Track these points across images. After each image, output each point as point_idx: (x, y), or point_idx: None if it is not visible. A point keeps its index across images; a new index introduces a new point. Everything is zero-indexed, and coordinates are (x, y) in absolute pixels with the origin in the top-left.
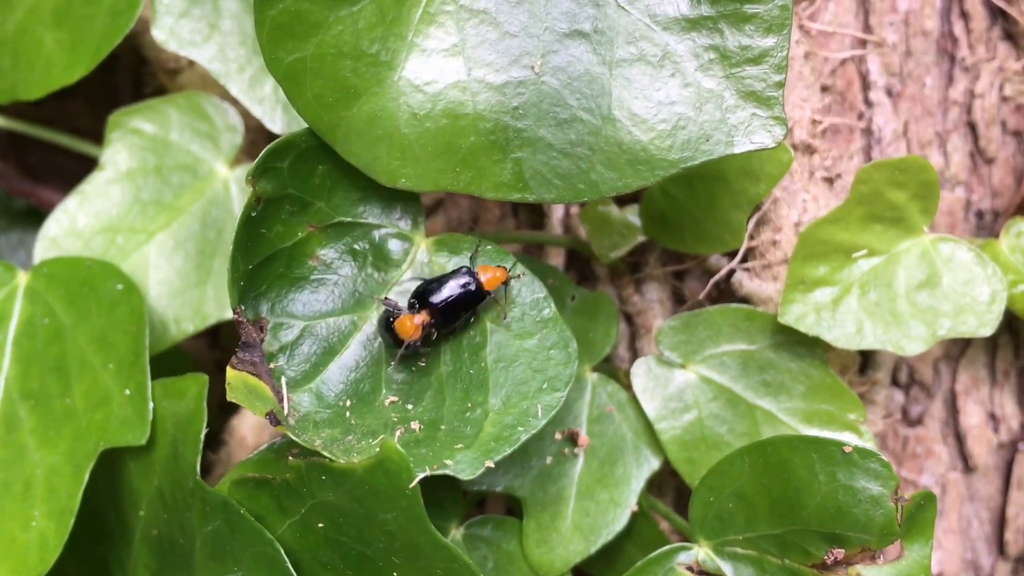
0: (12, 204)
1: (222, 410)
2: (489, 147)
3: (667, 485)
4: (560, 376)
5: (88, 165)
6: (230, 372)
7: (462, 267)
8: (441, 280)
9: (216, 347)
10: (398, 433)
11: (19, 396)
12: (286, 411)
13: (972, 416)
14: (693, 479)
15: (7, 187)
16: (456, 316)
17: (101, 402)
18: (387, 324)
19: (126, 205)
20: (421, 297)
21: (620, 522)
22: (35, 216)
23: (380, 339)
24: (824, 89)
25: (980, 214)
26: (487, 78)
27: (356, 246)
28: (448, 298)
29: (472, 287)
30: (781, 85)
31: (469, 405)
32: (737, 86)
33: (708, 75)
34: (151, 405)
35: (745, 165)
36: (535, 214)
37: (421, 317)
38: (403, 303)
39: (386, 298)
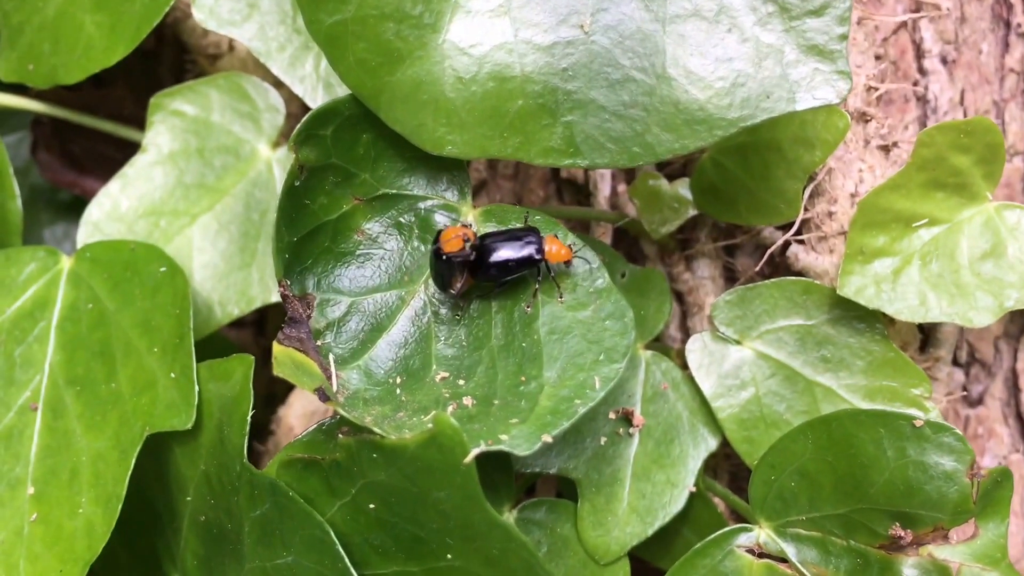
0: (58, 196)
1: (269, 401)
2: (538, 111)
3: (721, 467)
4: (617, 347)
5: (132, 153)
6: (276, 347)
7: (533, 228)
8: (507, 231)
9: (262, 336)
10: (450, 409)
11: (65, 382)
12: (335, 389)
13: None
14: (752, 459)
15: (52, 178)
16: (503, 266)
17: (147, 386)
18: (436, 237)
19: (169, 188)
20: (482, 238)
21: (678, 503)
22: (80, 207)
23: (428, 315)
24: (877, 57)
25: None
26: (534, 39)
27: (402, 219)
28: (503, 242)
29: (533, 247)
30: (845, 37)
31: (523, 379)
32: (798, 40)
33: (767, 29)
34: (196, 388)
35: (799, 132)
36: (580, 194)
37: (467, 232)
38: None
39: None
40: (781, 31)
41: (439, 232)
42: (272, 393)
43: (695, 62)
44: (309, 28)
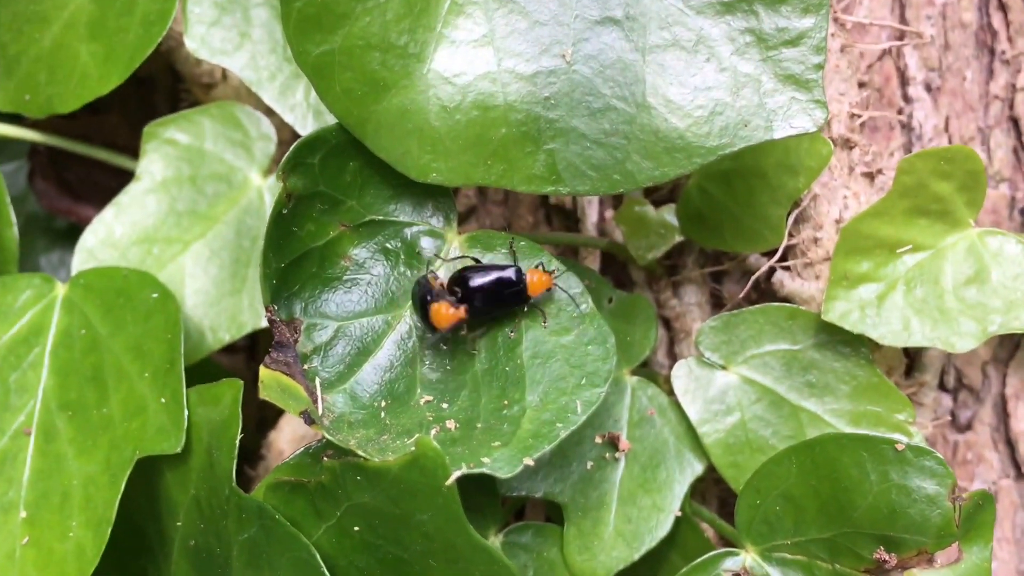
0: (53, 224)
1: (260, 425)
2: (521, 139)
3: (710, 492)
4: (599, 372)
5: (126, 181)
6: (263, 371)
7: (511, 264)
8: (486, 271)
9: (254, 361)
10: (433, 432)
11: (57, 407)
12: (320, 412)
13: (1023, 421)
14: (738, 483)
15: (48, 205)
16: (491, 312)
17: (137, 411)
18: (423, 305)
19: (162, 215)
20: (462, 285)
21: (663, 528)
22: (76, 235)
23: (413, 339)
24: (861, 85)
25: None
26: (517, 68)
27: (388, 245)
28: (488, 292)
29: (517, 288)
30: (820, 67)
31: (505, 403)
32: (775, 69)
33: (744, 59)
34: (186, 413)
35: (783, 159)
36: (569, 220)
37: (458, 311)
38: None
39: (431, 271)
40: (758, 60)
41: (428, 300)
42: (263, 418)
43: (674, 91)
44: (297, 59)
